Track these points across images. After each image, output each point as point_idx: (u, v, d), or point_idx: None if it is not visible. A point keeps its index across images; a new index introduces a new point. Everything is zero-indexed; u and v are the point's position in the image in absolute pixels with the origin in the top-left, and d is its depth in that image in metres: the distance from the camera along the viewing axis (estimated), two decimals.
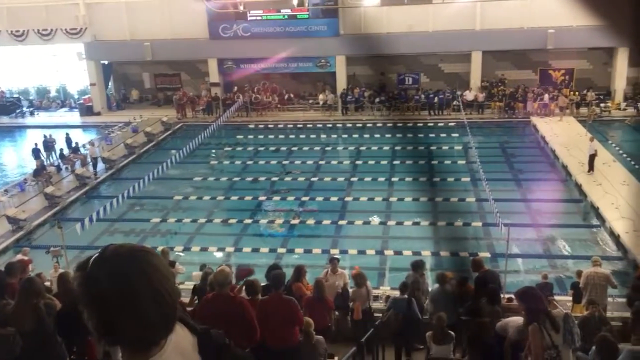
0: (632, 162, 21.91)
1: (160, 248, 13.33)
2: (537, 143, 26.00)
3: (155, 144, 27.82)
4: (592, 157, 20.39)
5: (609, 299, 10.94)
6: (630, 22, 0.73)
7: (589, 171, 20.35)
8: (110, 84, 35.71)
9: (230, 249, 16.84)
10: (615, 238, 16.19)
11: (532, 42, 29.44)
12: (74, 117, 33.94)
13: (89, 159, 23.87)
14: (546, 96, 28.99)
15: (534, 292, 5.71)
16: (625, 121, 27.83)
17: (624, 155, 22.87)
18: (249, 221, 19.16)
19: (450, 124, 28.73)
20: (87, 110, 33.87)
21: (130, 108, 34.20)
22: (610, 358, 5.39)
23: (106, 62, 34.55)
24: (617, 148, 23.85)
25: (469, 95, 30.09)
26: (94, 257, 1.46)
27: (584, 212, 18.91)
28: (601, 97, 29.63)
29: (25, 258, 12.77)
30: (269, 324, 6.01)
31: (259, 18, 31.37)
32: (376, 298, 11.63)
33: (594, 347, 6.80)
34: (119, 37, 32.69)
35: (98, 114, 33.48)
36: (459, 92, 30.27)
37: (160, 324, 1.46)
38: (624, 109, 28.92)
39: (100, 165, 24.03)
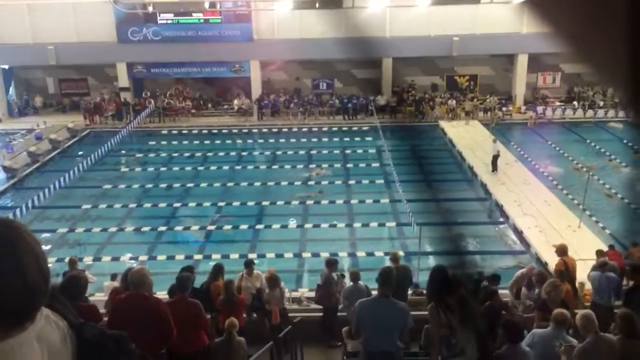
0: (533, 162, 23.31)
1: (67, 259, 12.74)
2: (445, 146, 27.10)
3: (60, 151, 26.54)
4: (495, 158, 21.51)
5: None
6: (625, 64, 0.71)
7: (492, 171, 21.46)
8: (11, 89, 33.66)
9: (143, 258, 16.35)
10: (519, 234, 17.17)
11: (439, 49, 30.70)
12: None
13: None
14: (452, 101, 30.36)
15: (442, 271, 5.98)
16: (527, 124, 29.57)
17: (525, 155, 24.29)
18: (163, 229, 18.70)
19: (364, 128, 29.42)
20: None
21: (33, 114, 32.43)
22: (515, 337, 5.73)
23: (6, 67, 32.59)
24: (518, 149, 25.30)
25: (381, 100, 30.93)
26: None
27: (490, 210, 19.91)
28: (503, 101, 31.33)
29: None
30: (174, 327, 5.91)
31: (169, 21, 30.74)
32: (295, 300, 11.71)
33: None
34: (20, 40, 30.92)
35: None
36: (371, 97, 31.03)
37: (25, 303, 1.35)
38: (524, 112, 30.74)
39: (2, 175, 22.64)
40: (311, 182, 22.21)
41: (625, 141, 26.24)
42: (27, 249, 1.35)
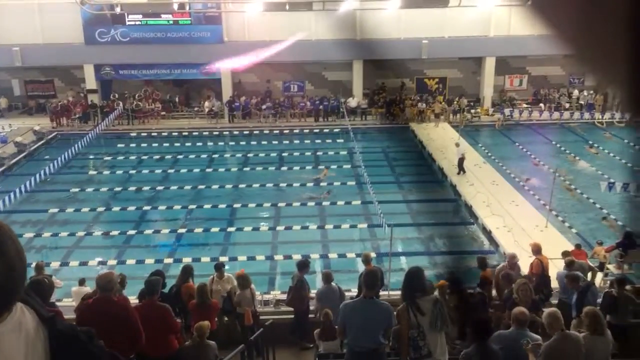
0: (500, 164, 23.69)
1: (34, 264, 12.48)
2: (415, 147, 27.35)
3: (27, 154, 26.00)
4: (460, 161, 21.87)
5: None
6: (625, 66, 0.73)
7: (458, 173, 21.79)
8: None
9: (112, 262, 16.12)
10: (488, 234, 17.43)
11: (408, 52, 30.93)
12: None
13: None
14: (422, 104, 30.71)
15: (417, 273, 6.07)
16: (495, 125, 30.02)
17: (493, 157, 24.66)
18: (132, 232, 18.45)
19: (335, 130, 29.51)
20: None
21: None
22: (483, 336, 5.82)
23: None
24: (486, 151, 25.68)
25: (352, 102, 31.07)
26: None
27: (459, 211, 20.15)
28: (471, 103, 31.77)
29: None
30: (144, 331, 5.86)
31: (138, 23, 30.36)
32: (267, 303, 11.67)
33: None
34: None
35: None
36: (342, 99, 31.17)
37: (6, 288, 1.42)
38: (492, 114, 31.21)
39: None
40: (282, 185, 22.17)
41: (590, 142, 26.91)
42: (8, 237, 1.41)
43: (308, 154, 26.25)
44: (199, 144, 28.27)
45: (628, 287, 10.12)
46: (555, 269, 11.08)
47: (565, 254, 11.44)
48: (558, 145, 26.53)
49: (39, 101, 32.67)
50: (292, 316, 10.04)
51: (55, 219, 19.48)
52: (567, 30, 0.83)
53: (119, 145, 27.96)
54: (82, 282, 11.84)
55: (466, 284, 10.03)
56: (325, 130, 29.63)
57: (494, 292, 9.97)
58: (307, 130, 29.62)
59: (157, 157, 26.08)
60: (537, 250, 10.92)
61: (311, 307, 9.89)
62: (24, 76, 32.72)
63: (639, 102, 0.76)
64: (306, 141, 28.22)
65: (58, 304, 10.70)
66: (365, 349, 6.00)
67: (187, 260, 15.90)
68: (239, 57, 29.46)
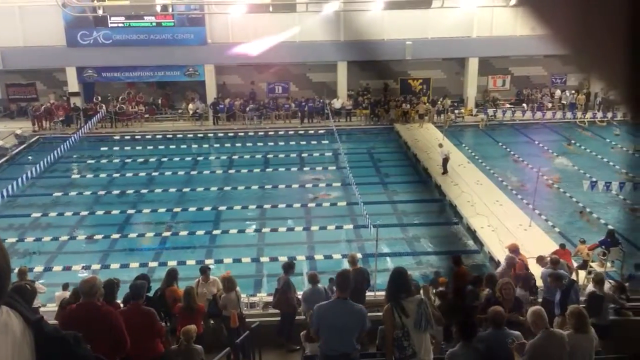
0: (484, 164, 23.85)
1: (17, 269, 12.34)
2: (400, 148, 27.45)
3: (8, 158, 25.69)
4: (445, 161, 22.02)
5: None
6: (623, 66, 0.72)
7: (443, 173, 21.93)
8: None
9: (96, 266, 15.97)
10: (472, 233, 17.53)
11: (392, 53, 31.03)
12: None
13: None
14: (406, 105, 30.83)
15: (401, 274, 6.09)
16: (478, 126, 30.21)
17: (477, 157, 24.82)
18: (116, 236, 18.30)
19: (320, 131, 29.52)
20: None
21: None
22: (467, 335, 5.87)
23: None
24: (470, 151, 25.84)
25: (337, 104, 31.11)
26: None
27: (444, 211, 20.26)
28: (455, 104, 31.94)
29: None
30: (129, 335, 5.82)
31: (120, 25, 30.14)
32: (253, 305, 11.66)
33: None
34: None
35: None
36: (327, 101, 31.19)
37: None
38: (476, 115, 31.42)
39: None
40: (268, 186, 22.13)
41: (573, 141, 27.22)
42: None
43: (293, 155, 26.23)
44: (183, 146, 28.15)
45: (612, 281, 10.29)
46: (538, 267, 11.17)
47: (539, 259, 11.49)
48: (541, 145, 26.78)
49: (20, 104, 32.29)
50: (279, 318, 10.03)
51: (38, 223, 19.28)
52: (564, 30, 0.83)
53: (102, 149, 27.76)
54: (65, 287, 11.75)
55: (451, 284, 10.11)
56: (310, 132, 29.64)
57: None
58: (292, 132, 29.62)
59: (141, 160, 25.88)
60: (515, 250, 11.00)
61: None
62: (5, 79, 32.33)
63: (638, 102, 0.77)
64: (291, 143, 28.21)
65: (42, 309, 10.60)
66: (339, 352, 5.97)
67: (172, 263, 15.78)
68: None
